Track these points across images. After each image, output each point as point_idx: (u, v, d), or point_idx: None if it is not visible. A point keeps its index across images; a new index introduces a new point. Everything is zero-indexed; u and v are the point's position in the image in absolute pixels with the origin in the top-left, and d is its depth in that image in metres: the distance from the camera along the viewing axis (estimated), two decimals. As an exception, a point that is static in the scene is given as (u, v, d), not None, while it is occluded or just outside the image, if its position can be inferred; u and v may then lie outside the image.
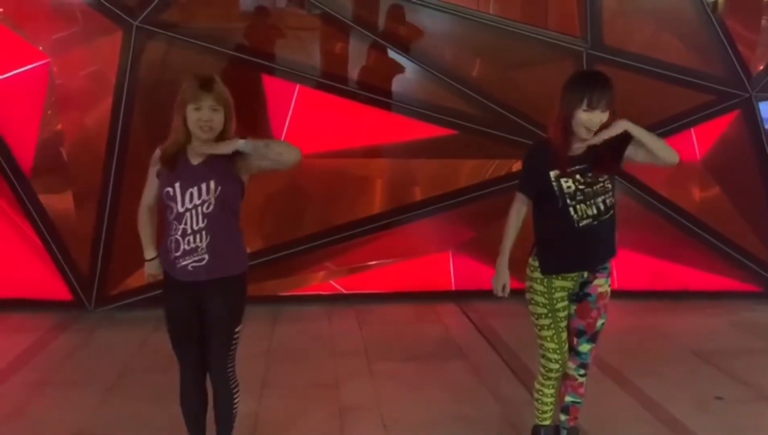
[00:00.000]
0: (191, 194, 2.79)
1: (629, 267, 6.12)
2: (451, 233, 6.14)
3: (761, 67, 5.79)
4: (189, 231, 2.79)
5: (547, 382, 3.14)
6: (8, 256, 5.46)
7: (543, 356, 3.10)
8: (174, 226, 2.81)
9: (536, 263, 3.06)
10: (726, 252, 5.95)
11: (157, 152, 2.90)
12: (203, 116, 2.75)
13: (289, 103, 5.72)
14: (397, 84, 5.95)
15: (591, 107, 2.86)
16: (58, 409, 3.80)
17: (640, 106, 5.65)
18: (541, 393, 3.17)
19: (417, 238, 6.01)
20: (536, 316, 3.08)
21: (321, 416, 3.72)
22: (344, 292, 5.90)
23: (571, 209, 2.95)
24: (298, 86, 5.69)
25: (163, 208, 2.87)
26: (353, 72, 5.93)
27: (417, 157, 6.22)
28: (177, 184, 2.79)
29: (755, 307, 5.78)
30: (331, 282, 5.97)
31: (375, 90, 5.76)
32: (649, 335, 5.10)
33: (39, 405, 3.86)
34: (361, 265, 6.03)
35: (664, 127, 5.68)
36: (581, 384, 3.19)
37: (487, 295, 5.83)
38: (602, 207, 2.97)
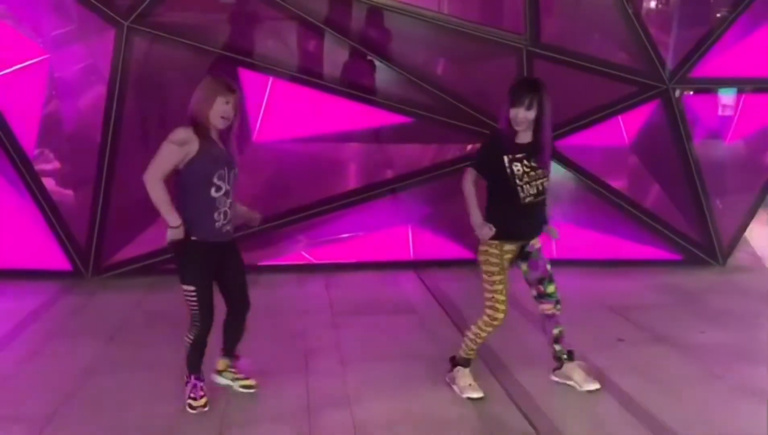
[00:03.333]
0: (229, 174, 3.57)
1: (568, 239, 6.91)
2: (410, 209, 6.89)
3: (671, 65, 6.54)
4: (228, 203, 3.58)
5: (489, 328, 3.84)
6: (14, 231, 6.15)
7: (492, 307, 3.79)
8: (222, 201, 3.55)
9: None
10: (652, 225, 6.77)
11: (183, 133, 3.44)
12: (228, 109, 3.50)
13: (263, 94, 6.43)
14: (362, 77, 6.64)
15: (516, 106, 3.64)
16: (67, 353, 4.52)
17: (573, 97, 6.46)
18: (478, 336, 3.89)
19: (380, 213, 6.75)
20: (490, 273, 3.80)
21: (289, 355, 4.49)
22: (314, 261, 6.63)
23: (519, 189, 3.72)
24: (271, 78, 6.38)
25: (202, 186, 3.49)
26: (322, 66, 6.62)
27: (379, 142, 6.96)
28: (225, 167, 3.55)
29: (674, 272, 6.59)
30: (303, 253, 6.70)
31: (342, 83, 6.48)
32: (576, 295, 5.87)
33: (51, 350, 4.58)
34: (330, 238, 6.76)
35: (594, 115, 6.49)
36: (559, 315, 3.97)
37: (442, 263, 6.68)
38: (540, 188, 3.79)
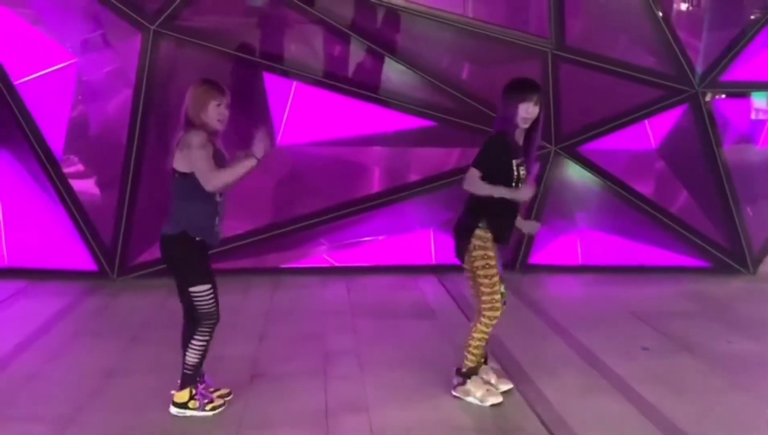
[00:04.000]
0: None
1: (594, 245, 6.83)
2: (433, 213, 6.85)
3: (701, 69, 6.43)
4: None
5: (490, 329, 3.82)
6: (42, 232, 6.26)
7: (492, 308, 3.76)
8: (222, 207, 3.54)
9: (488, 234, 3.74)
10: (679, 231, 6.64)
11: (203, 136, 3.40)
12: (223, 111, 3.48)
13: (287, 97, 6.46)
14: (385, 81, 6.63)
15: (526, 100, 3.59)
16: (90, 353, 4.58)
17: (599, 101, 6.38)
18: (483, 340, 3.85)
19: (403, 217, 6.73)
20: (490, 276, 3.75)
21: (309, 358, 4.48)
22: (336, 264, 6.64)
23: None
24: (295, 82, 6.41)
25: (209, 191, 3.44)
26: (346, 71, 6.63)
27: (402, 145, 6.93)
28: None
29: (702, 280, 6.46)
30: (325, 256, 6.71)
31: (365, 87, 6.47)
32: (600, 301, 5.82)
33: (74, 350, 4.63)
34: (352, 241, 6.76)
35: (620, 119, 6.39)
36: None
37: (463, 268, 6.61)
38: None
